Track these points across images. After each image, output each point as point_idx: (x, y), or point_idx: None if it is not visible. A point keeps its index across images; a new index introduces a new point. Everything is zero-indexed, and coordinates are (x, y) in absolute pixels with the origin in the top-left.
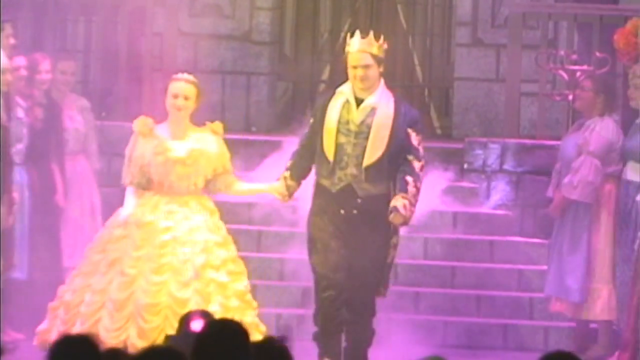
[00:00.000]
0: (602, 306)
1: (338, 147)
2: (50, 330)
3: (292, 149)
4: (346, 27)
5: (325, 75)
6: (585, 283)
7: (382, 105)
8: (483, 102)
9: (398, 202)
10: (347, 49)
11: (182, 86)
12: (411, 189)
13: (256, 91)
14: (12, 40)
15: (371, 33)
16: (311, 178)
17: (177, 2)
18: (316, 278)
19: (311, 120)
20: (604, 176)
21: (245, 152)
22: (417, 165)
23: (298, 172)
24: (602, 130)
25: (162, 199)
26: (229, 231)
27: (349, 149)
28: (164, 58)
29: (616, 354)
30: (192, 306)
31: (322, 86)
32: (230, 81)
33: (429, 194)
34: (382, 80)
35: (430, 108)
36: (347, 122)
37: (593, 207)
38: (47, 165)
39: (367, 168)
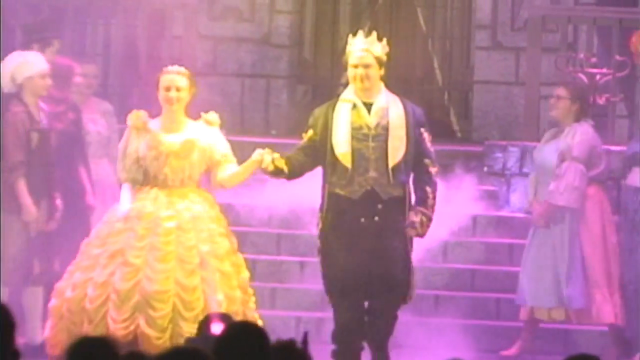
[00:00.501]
0: (596, 311)
1: (355, 153)
2: (57, 332)
3: None
4: (366, 30)
5: (344, 79)
6: (585, 288)
7: (392, 105)
8: (503, 105)
9: (417, 217)
10: (348, 48)
11: (173, 77)
12: (430, 201)
13: (276, 94)
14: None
15: (374, 33)
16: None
17: (196, 5)
18: (333, 299)
19: (309, 132)
20: (588, 180)
21: None
22: (433, 171)
23: (293, 162)
24: (584, 135)
25: (161, 192)
26: (249, 234)
27: (367, 153)
28: (184, 61)
29: (637, 356)
30: (200, 294)
31: (341, 89)
32: (250, 84)
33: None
34: (382, 84)
35: (450, 111)
36: (361, 127)
37: (579, 212)
38: (74, 169)
39: (393, 169)
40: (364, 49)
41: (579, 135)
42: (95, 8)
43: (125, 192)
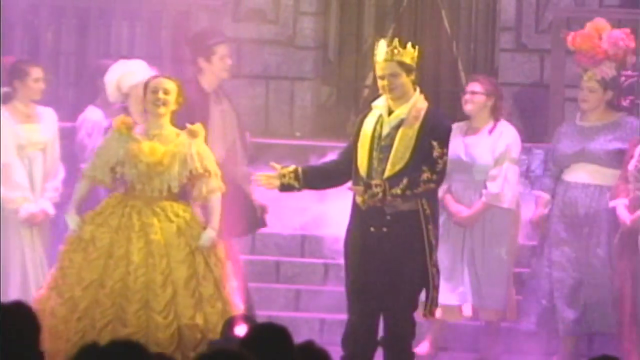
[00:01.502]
0: (510, 310)
1: (370, 162)
2: None
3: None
4: (390, 32)
5: (369, 81)
6: (506, 288)
7: (410, 117)
8: (527, 107)
9: (376, 187)
10: (375, 58)
11: (162, 80)
12: (396, 190)
13: (300, 96)
14: (229, 61)
15: (395, 40)
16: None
17: (221, 6)
18: (347, 301)
19: (351, 139)
20: None
21: (290, 157)
22: (424, 175)
23: (310, 174)
24: (515, 136)
25: (135, 206)
26: (273, 236)
27: (375, 163)
28: None
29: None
30: (174, 330)
31: (366, 91)
32: (274, 86)
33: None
34: (417, 90)
35: None
36: (379, 136)
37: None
38: None
39: (390, 180)
40: (386, 58)
41: (512, 136)
42: (119, 10)
43: (79, 189)
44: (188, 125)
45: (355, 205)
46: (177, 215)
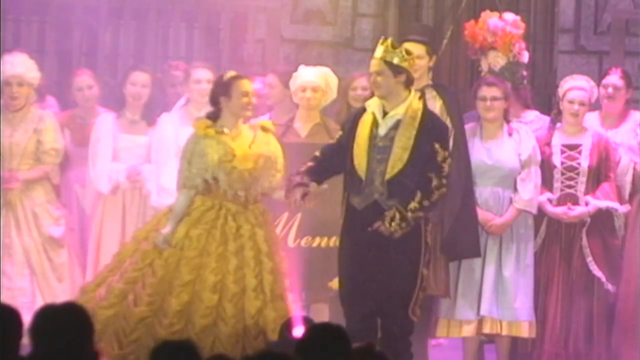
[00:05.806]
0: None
1: (368, 163)
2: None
3: None
4: (448, 34)
5: None
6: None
7: (407, 117)
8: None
9: (390, 212)
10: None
11: (247, 82)
12: (414, 204)
13: None
14: None
15: (389, 40)
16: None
17: (279, 8)
18: (345, 308)
19: (340, 133)
20: None
21: None
22: (434, 182)
23: (316, 173)
24: (533, 137)
25: (230, 209)
26: None
27: (373, 164)
28: (266, 65)
29: None
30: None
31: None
32: None
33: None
34: (412, 91)
35: None
36: (375, 137)
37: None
38: None
39: (389, 182)
40: (376, 56)
41: (532, 137)
42: (177, 11)
43: (182, 202)
44: (261, 121)
45: (350, 206)
46: (260, 221)
